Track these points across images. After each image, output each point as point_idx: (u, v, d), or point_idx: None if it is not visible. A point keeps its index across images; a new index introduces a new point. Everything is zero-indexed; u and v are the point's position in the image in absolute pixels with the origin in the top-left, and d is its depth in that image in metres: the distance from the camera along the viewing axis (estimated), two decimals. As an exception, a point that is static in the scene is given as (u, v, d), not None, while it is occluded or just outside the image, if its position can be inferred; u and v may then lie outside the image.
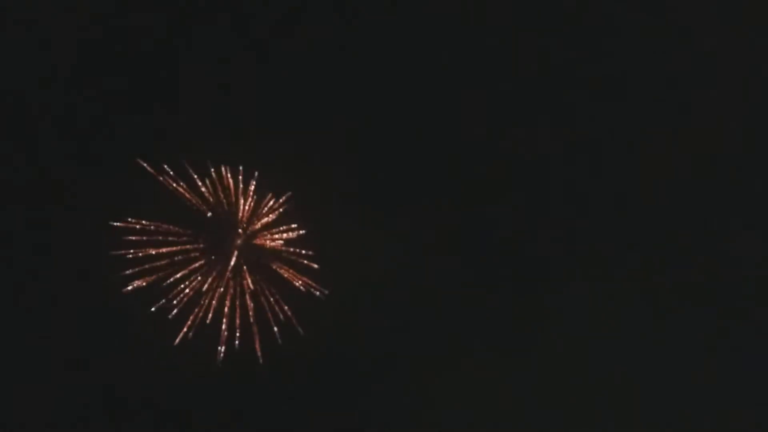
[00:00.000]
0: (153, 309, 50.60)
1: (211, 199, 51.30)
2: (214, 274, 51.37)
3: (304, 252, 51.27)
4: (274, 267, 51.78)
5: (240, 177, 51.10)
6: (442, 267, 50.11)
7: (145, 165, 50.43)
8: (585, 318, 49.55)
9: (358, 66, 50.66)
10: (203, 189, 51.11)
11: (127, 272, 50.38)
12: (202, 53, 51.10)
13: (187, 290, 50.79)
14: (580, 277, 50.24)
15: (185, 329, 50.66)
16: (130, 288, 50.34)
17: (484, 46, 50.80)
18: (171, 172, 50.65)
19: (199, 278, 51.14)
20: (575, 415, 49.04)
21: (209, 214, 51.43)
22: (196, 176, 50.84)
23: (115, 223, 50.59)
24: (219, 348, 50.75)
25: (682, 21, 50.72)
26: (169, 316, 50.50)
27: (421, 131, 51.01)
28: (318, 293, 51.14)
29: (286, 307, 50.99)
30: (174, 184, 50.87)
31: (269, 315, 51.00)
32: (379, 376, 49.81)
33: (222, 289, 50.93)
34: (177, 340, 50.65)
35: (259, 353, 50.84)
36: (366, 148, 50.62)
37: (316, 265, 51.16)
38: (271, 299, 51.17)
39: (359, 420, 49.70)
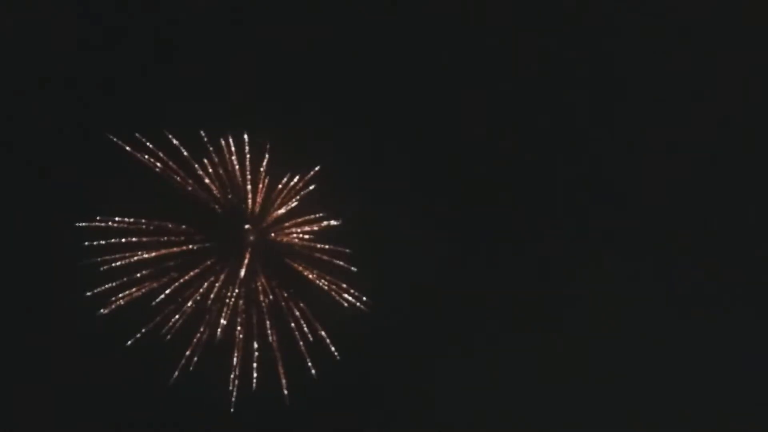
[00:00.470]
0: (136, 337, 41.71)
1: (213, 187, 43.22)
2: (220, 281, 42.97)
3: (332, 248, 43.22)
4: (298, 269, 43.23)
5: (246, 150, 43.00)
6: (442, 266, 49.98)
7: (117, 141, 43.04)
8: (585, 318, 49.49)
9: (358, 65, 50.63)
10: (197, 166, 42.56)
11: (105, 286, 42.75)
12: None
13: (186, 306, 42.55)
14: (580, 277, 50.18)
15: (184, 361, 42.35)
16: (106, 310, 42.57)
17: (484, 46, 50.79)
18: (152, 147, 42.90)
19: (202, 290, 42.85)
20: (575, 415, 49.01)
21: (216, 207, 43.21)
22: (193, 160, 43.34)
23: (83, 224, 43.09)
24: (231, 389, 42.21)
25: (682, 21, 50.66)
26: (163, 342, 42.46)
27: (421, 131, 50.93)
28: (359, 304, 43.27)
29: (314, 320, 42.72)
30: (161, 165, 42.94)
31: (297, 337, 42.43)
32: (379, 376, 49.58)
33: (232, 301, 42.67)
34: (173, 377, 42.37)
35: (285, 390, 42.78)
36: (366, 147, 50.02)
37: (352, 267, 43.30)
38: (297, 314, 42.42)
39: (359, 420, 49.48)
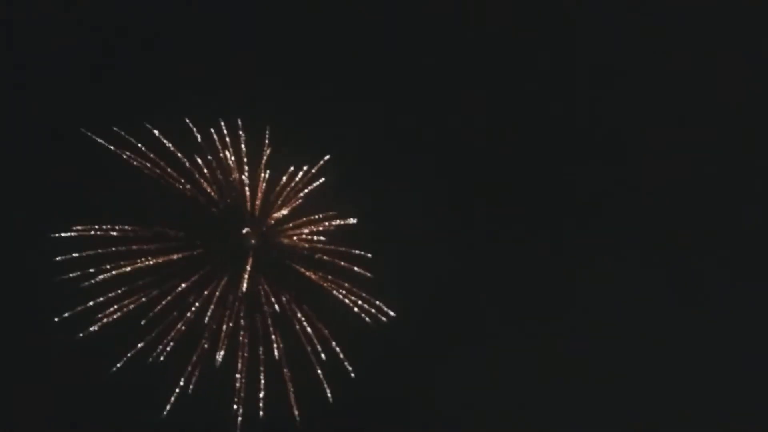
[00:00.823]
0: (123, 361, 36.33)
1: (208, 186, 38.17)
2: (219, 292, 37.41)
3: (346, 251, 37.85)
4: (306, 275, 37.68)
5: (241, 138, 37.64)
6: (447, 265, 49.68)
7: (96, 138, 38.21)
8: (586, 319, 49.52)
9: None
10: (186, 162, 37.32)
11: (87, 304, 37.54)
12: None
13: (182, 322, 37.11)
14: (580, 278, 50.20)
15: (180, 386, 37.03)
16: (95, 328, 37.40)
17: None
18: (138, 144, 37.79)
19: (199, 302, 37.45)
20: (576, 416, 49.02)
21: (213, 209, 38.23)
22: (184, 156, 37.94)
23: (59, 234, 37.33)
24: (236, 410, 36.62)
25: (682, 21, 50.70)
26: (155, 363, 36.86)
27: (421, 131, 50.79)
28: (381, 316, 38.04)
29: (323, 329, 37.19)
30: (147, 163, 37.87)
31: (308, 353, 36.84)
32: (380, 374, 49.10)
33: (232, 316, 37.06)
34: (167, 408, 37.01)
35: (295, 412, 37.21)
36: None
37: (368, 274, 37.91)
38: (305, 325, 36.75)
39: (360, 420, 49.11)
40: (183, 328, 38.10)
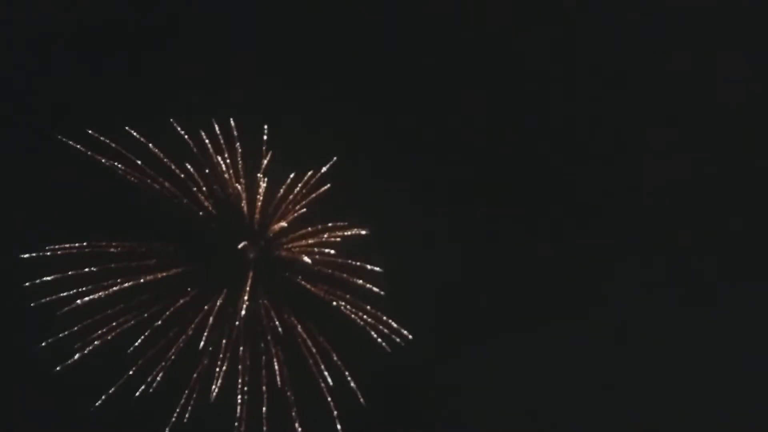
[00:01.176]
0: (108, 394, 33.72)
1: (201, 195, 35.14)
2: (214, 313, 34.11)
3: (360, 265, 34.70)
4: (313, 293, 34.40)
5: (236, 140, 34.44)
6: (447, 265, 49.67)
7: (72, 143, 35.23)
8: (586, 319, 49.51)
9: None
10: (173, 166, 34.39)
11: (83, 323, 34.55)
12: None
13: (174, 349, 33.86)
14: (580, 278, 50.22)
15: (179, 407, 34.06)
16: (90, 348, 34.42)
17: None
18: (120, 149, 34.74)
19: (193, 325, 34.38)
20: (578, 416, 49.06)
21: (211, 224, 34.86)
22: (171, 161, 35.07)
23: (27, 255, 34.18)
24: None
25: (682, 21, 50.73)
26: (150, 386, 33.67)
27: (421, 131, 50.79)
28: (395, 337, 35.31)
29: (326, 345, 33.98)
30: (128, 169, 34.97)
31: (318, 379, 33.66)
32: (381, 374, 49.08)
33: (231, 335, 33.85)
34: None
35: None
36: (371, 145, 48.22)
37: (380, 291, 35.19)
38: (310, 346, 33.58)
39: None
40: (181, 345, 35.57)
